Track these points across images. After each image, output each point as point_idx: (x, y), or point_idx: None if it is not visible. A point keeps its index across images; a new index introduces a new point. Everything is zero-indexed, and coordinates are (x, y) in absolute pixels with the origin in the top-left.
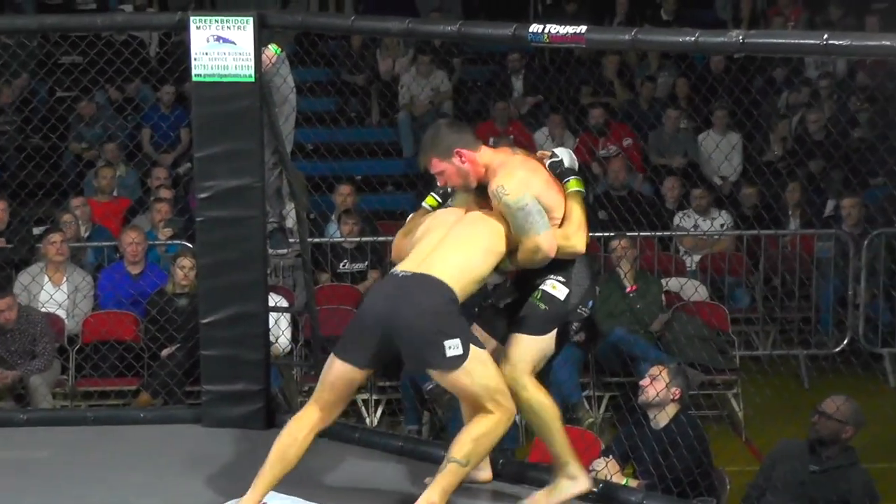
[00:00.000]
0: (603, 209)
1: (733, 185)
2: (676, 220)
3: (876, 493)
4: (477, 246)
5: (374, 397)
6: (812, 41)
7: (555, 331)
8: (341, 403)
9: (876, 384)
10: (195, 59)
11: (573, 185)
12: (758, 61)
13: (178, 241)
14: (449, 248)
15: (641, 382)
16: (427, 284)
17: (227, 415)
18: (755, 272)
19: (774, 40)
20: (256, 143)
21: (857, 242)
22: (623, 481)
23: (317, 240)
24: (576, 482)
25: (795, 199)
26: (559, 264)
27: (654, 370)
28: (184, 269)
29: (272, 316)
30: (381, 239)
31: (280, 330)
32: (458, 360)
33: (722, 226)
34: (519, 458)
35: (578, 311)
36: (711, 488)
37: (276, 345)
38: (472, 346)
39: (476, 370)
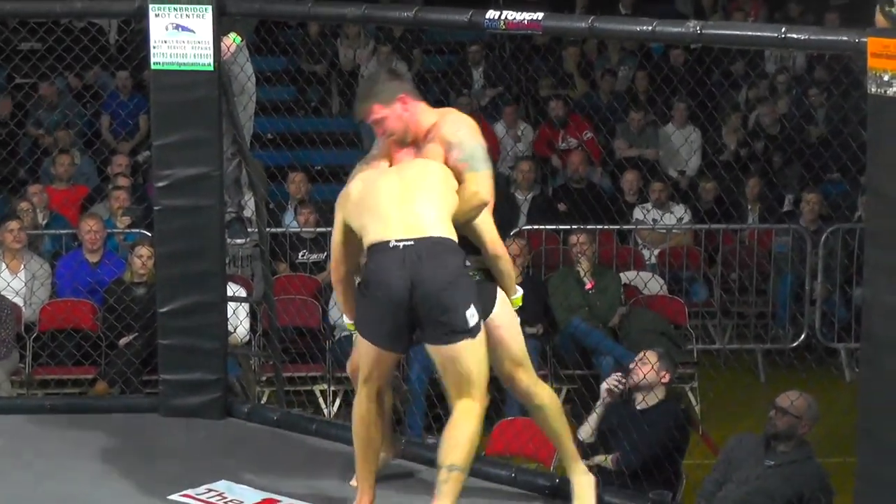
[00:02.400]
0: (562, 202)
1: (691, 178)
2: (635, 213)
3: (830, 487)
4: (442, 193)
5: (332, 388)
6: (770, 34)
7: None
8: (390, 372)
9: (831, 379)
10: (154, 48)
11: None
12: (714, 52)
13: (137, 230)
14: (423, 206)
15: (631, 365)
16: (437, 247)
17: (185, 404)
18: (713, 266)
19: (732, 32)
20: (215, 133)
21: (814, 238)
22: (603, 459)
23: (275, 230)
24: (590, 475)
25: (754, 193)
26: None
27: (641, 355)
28: (142, 258)
29: (230, 305)
30: None
31: (238, 320)
32: (475, 330)
33: (680, 219)
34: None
35: None
36: (669, 482)
37: (234, 334)
38: (481, 322)
39: (481, 348)
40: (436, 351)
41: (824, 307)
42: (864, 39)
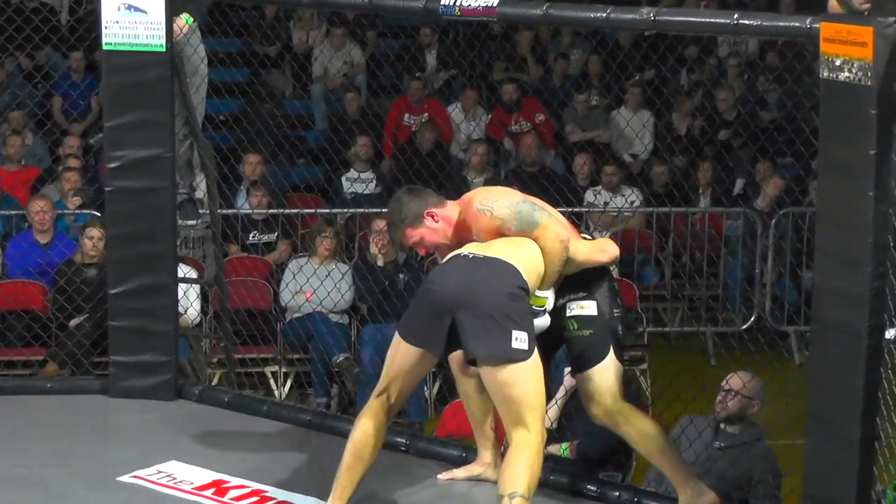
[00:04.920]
0: (514, 185)
1: (644, 162)
2: (587, 196)
3: (779, 469)
4: (514, 242)
5: (283, 370)
6: (723, 20)
7: (612, 348)
8: (410, 389)
9: (781, 362)
10: (106, 28)
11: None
12: (668, 39)
13: (88, 211)
14: (509, 246)
15: None
16: (501, 267)
17: (135, 385)
18: (664, 249)
19: (686, 18)
20: (167, 114)
21: (766, 221)
22: (561, 450)
23: (227, 211)
24: (703, 496)
25: (706, 177)
26: (568, 284)
27: None
28: (93, 240)
29: (181, 287)
30: (290, 211)
31: (189, 301)
32: (523, 354)
33: (632, 203)
34: (427, 433)
35: (616, 314)
36: (619, 464)
37: (185, 316)
38: (536, 350)
39: (532, 375)
40: (484, 369)
41: (775, 290)
42: (817, 25)
